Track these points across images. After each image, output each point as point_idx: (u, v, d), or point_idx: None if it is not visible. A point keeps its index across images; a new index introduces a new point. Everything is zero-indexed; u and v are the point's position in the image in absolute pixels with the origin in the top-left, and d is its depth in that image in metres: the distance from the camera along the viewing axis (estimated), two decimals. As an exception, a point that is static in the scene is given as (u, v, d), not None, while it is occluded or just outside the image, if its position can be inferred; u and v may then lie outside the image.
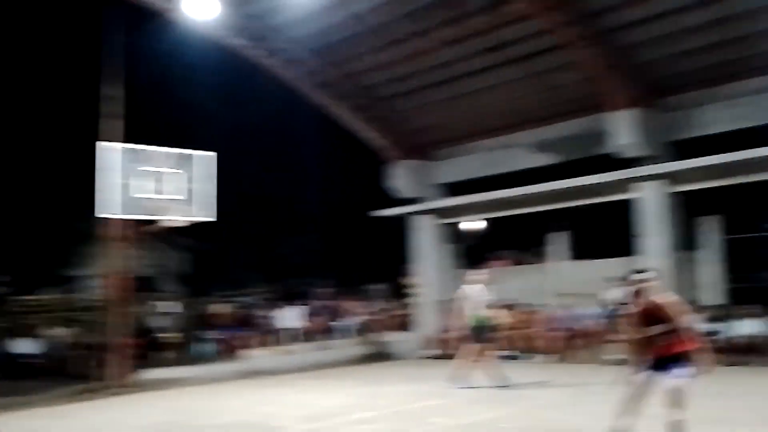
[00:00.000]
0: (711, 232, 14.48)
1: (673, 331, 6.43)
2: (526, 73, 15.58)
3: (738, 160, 13.27)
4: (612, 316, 14.49)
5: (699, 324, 12.65)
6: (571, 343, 14.98)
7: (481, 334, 11.49)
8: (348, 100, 17.99)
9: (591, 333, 14.68)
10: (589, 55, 14.28)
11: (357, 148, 19.63)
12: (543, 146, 16.74)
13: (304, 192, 24.95)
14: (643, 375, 6.53)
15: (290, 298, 19.60)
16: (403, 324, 18.48)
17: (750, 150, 13.07)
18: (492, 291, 11.92)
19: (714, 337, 13.00)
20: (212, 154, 14.09)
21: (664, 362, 6.44)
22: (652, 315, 6.53)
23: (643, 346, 6.57)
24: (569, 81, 15.18)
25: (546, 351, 15.20)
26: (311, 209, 24.99)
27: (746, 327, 13.02)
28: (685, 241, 14.61)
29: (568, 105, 15.80)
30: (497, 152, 17.59)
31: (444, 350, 16.74)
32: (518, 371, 13.60)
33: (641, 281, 6.75)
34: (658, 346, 6.47)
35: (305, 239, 25.67)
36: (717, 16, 12.97)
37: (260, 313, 18.46)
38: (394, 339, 17.99)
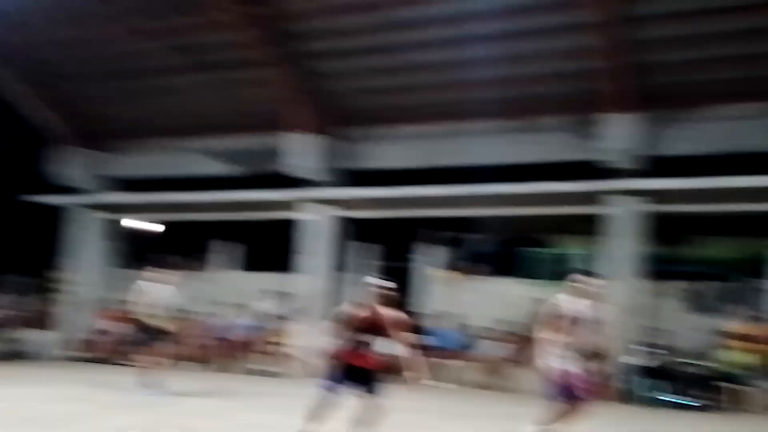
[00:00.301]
0: (363, 257, 15.75)
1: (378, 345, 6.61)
2: (214, 81, 15.49)
3: (400, 197, 14.65)
4: (262, 327, 15.03)
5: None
6: (222, 352, 15.12)
7: (150, 335, 10.95)
8: (15, 68, 16.23)
9: (242, 343, 15.00)
10: (278, 75, 14.71)
11: (12, 123, 17.56)
12: (221, 155, 16.76)
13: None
14: (332, 384, 6.60)
15: None
16: (43, 321, 16.91)
17: (413, 187, 14.43)
18: (176, 293, 11.42)
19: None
20: None
21: (359, 374, 6.58)
22: (372, 325, 6.62)
23: (345, 353, 6.65)
24: (255, 96, 15.35)
25: (196, 359, 15.11)
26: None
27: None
28: (343, 264, 15.69)
29: (250, 119, 15.91)
30: (174, 154, 17.18)
31: (92, 352, 15.80)
32: (169, 378, 13.40)
33: (376, 290, 6.77)
34: (361, 356, 6.60)
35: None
36: (399, 63, 14.08)
37: None
38: (31, 337, 16.41)
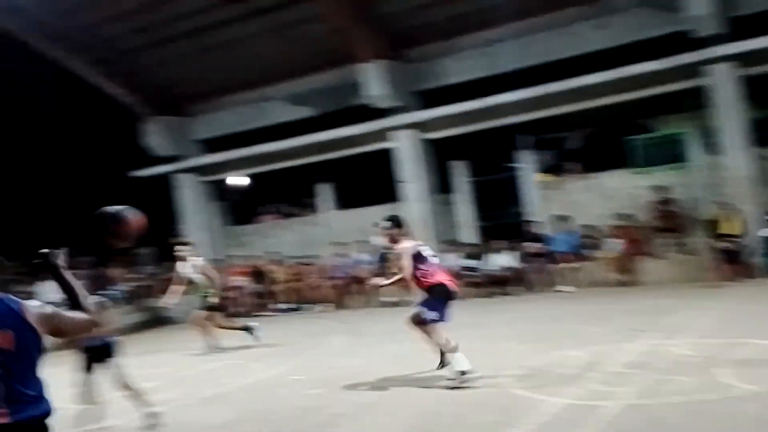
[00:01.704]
0: (461, 175, 15.64)
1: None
2: (271, 25, 15.40)
3: (475, 109, 14.37)
4: (382, 260, 15.28)
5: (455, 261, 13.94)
6: (347, 290, 15.50)
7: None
8: (86, 54, 16.61)
9: (364, 278, 15.31)
10: (332, 6, 14.47)
11: (106, 105, 18.18)
12: (297, 99, 16.86)
13: (51, 157, 22.55)
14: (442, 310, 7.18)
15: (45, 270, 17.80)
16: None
17: (486, 98, 14.14)
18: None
19: (473, 272, 14.33)
20: None
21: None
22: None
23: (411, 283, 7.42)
24: (316, 33, 15.22)
25: (323, 300, 15.58)
26: (61, 175, 22.69)
27: (498, 261, 14.37)
28: (441, 186, 15.67)
29: (317, 58, 15.90)
30: (252, 107, 17.42)
31: (228, 309, 16.50)
32: (298, 322, 13.92)
33: (388, 228, 7.55)
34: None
35: (58, 207, 23.33)
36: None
37: (23, 288, 16.63)
38: (169, 303, 17.28)
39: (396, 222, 7.59)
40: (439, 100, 15.07)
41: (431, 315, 7.07)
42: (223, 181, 18.53)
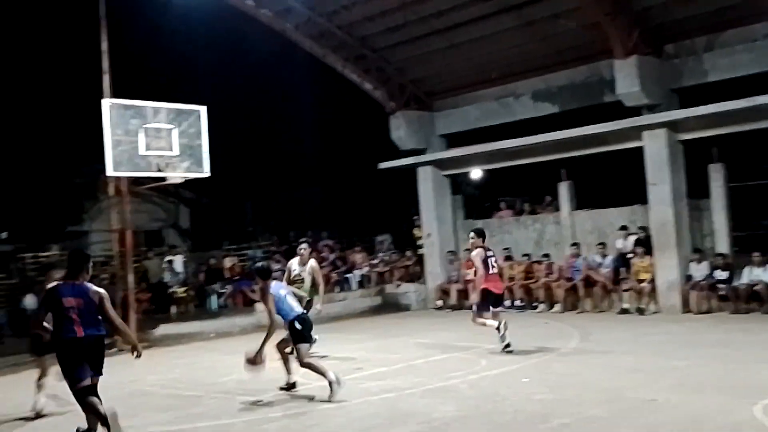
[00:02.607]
0: (716, 180, 14.43)
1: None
2: (523, 21, 15.33)
3: (739, 108, 13.14)
4: (621, 264, 14.63)
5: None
6: (578, 291, 15.08)
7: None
8: (343, 51, 17.74)
9: (600, 281, 14.76)
10: (585, 1, 14.00)
11: (360, 99, 19.39)
12: (542, 96, 16.62)
13: (304, 145, 24.74)
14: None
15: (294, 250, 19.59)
16: (411, 274, 18.54)
17: (751, 98, 12.91)
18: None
19: (721, 285, 13.21)
20: (202, 108, 13.89)
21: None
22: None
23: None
24: (568, 29, 14.92)
25: (554, 301, 15.30)
26: (313, 161, 24.81)
27: (756, 274, 13.09)
28: (692, 189, 14.58)
29: (567, 53, 15.64)
30: (498, 102, 17.46)
31: (459, 301, 16.91)
32: (528, 322, 13.79)
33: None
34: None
35: (308, 191, 25.55)
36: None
37: (276, 266, 18.54)
38: (403, 290, 18.11)
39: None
40: (695, 99, 14.00)
41: None
42: (461, 174, 18.85)
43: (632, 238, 14.75)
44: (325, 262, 19.34)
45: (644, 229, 14.67)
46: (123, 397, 8.54)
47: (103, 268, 19.76)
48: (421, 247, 18.74)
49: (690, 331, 11.65)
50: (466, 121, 18.18)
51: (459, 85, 18.03)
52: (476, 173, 18.92)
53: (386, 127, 18.63)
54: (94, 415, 6.37)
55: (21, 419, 7.93)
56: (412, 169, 18.74)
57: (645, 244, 14.34)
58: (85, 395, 6.31)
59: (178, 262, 18.34)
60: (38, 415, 7.95)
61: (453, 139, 18.68)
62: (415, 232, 19.42)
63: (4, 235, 17.54)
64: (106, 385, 6.57)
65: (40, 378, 8.09)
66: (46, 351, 7.54)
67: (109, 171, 12.83)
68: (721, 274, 13.44)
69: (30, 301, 15.74)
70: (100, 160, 13.07)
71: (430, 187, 18.42)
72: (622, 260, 14.74)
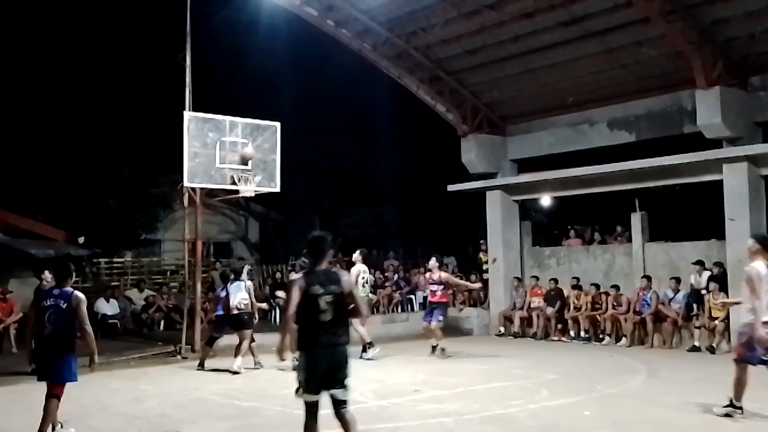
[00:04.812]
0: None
1: None
2: (605, 47, 15.11)
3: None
4: (694, 300, 14.12)
5: None
6: (646, 326, 14.62)
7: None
8: (418, 73, 17.85)
9: (671, 317, 14.28)
10: (669, 30, 13.69)
11: (431, 121, 19.45)
12: (620, 123, 16.31)
13: (376, 164, 24.96)
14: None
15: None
16: (474, 299, 18.35)
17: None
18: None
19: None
20: (276, 124, 14.26)
21: None
22: None
23: None
24: (648, 57, 14.62)
25: (621, 334, 14.87)
26: (384, 180, 24.99)
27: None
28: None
29: (647, 81, 15.32)
30: (572, 128, 17.22)
31: (523, 328, 16.63)
32: (592, 354, 13.44)
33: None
34: None
35: (377, 210, 25.71)
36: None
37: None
38: (465, 314, 17.93)
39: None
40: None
41: None
42: (531, 200, 18.59)
43: (706, 274, 14.23)
44: (389, 282, 19.39)
45: (720, 265, 14.14)
46: (185, 403, 8.70)
47: (172, 276, 20.26)
48: (486, 271, 18.53)
49: (764, 373, 11.10)
50: (539, 146, 17.97)
51: (533, 110, 17.89)
52: (546, 200, 18.64)
53: (458, 149, 18.59)
54: None
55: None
56: (481, 193, 18.62)
57: (720, 281, 13.80)
58: None
59: (246, 273, 18.61)
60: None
61: (524, 165, 18.47)
62: (481, 256, 19.24)
63: (81, 239, 18.22)
64: (169, 391, 6.71)
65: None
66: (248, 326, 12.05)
67: (185, 182, 13.26)
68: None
69: (101, 305, 16.31)
70: (177, 171, 13.51)
71: (498, 212, 18.23)
72: (696, 296, 14.23)
